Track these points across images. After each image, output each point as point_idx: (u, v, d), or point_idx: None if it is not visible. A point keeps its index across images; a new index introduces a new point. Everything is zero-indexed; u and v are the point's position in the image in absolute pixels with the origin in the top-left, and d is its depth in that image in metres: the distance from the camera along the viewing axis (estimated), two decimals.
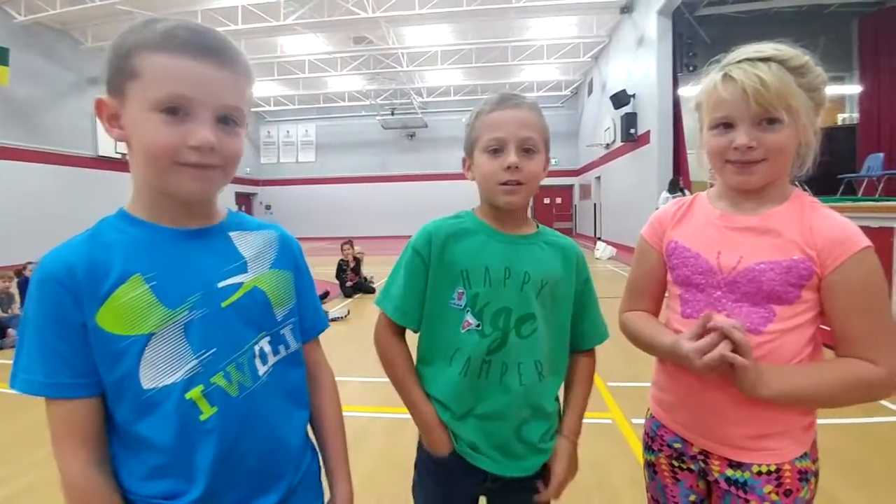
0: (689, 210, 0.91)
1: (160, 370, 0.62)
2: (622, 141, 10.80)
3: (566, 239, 0.97)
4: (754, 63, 0.76)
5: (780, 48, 0.78)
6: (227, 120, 0.64)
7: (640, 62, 9.89)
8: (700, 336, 0.76)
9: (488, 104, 0.89)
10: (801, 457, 0.81)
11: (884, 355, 0.74)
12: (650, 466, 0.95)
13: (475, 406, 0.89)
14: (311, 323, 0.82)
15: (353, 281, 6.63)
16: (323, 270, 7.43)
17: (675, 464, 0.90)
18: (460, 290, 0.89)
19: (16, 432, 2.58)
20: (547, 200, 18.63)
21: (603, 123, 12.92)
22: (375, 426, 2.58)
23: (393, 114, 18.13)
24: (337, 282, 6.68)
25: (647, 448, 0.96)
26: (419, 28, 11.86)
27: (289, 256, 0.79)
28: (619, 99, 10.47)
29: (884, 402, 2.66)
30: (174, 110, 0.60)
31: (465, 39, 12.51)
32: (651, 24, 8.99)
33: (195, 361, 0.63)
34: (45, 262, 0.62)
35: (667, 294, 0.96)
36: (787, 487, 0.80)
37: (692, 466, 0.89)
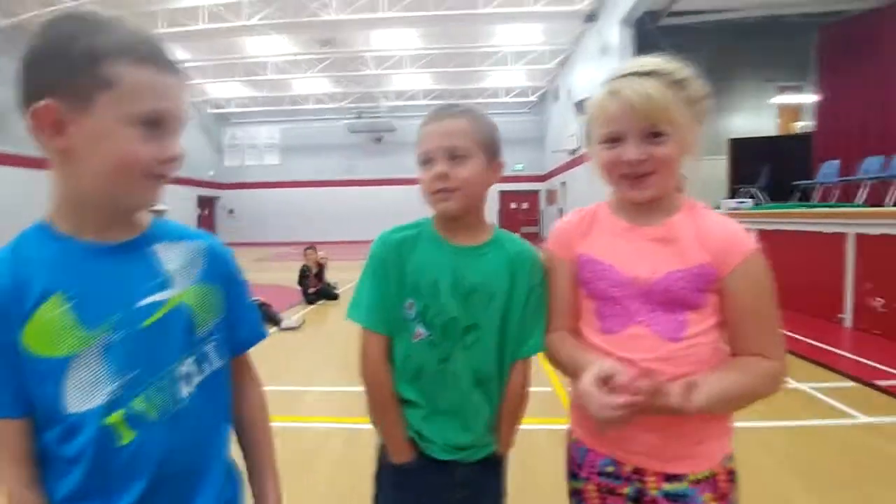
0: (594, 221, 0.91)
1: (82, 394, 0.61)
2: (586, 147, 10.97)
3: (521, 245, 0.97)
4: (640, 77, 0.78)
5: (661, 62, 0.80)
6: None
7: (603, 70, 9.97)
8: (603, 381, 0.75)
9: (425, 119, 0.93)
10: (729, 458, 0.85)
11: (775, 350, 0.80)
12: (576, 494, 0.91)
13: (438, 404, 0.92)
14: (245, 335, 0.80)
15: (315, 287, 6.42)
16: (286, 276, 7.18)
17: (605, 491, 0.87)
18: (410, 301, 0.91)
19: None
20: (514, 205, 18.83)
21: (568, 129, 13.14)
22: (335, 437, 2.50)
23: (360, 117, 17.93)
24: (300, 288, 6.46)
25: (573, 475, 0.92)
26: (386, 32, 11.79)
27: (218, 268, 0.76)
28: (584, 106, 10.65)
29: (839, 405, 2.71)
30: (154, 125, 0.61)
31: (432, 44, 12.50)
32: (614, 33, 9.20)
33: (116, 385, 0.62)
34: None
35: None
36: (723, 491, 0.82)
37: (626, 490, 0.85)
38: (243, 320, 0.79)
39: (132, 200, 0.65)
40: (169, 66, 0.62)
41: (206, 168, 18.92)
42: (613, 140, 0.81)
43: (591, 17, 10.34)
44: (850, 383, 3.08)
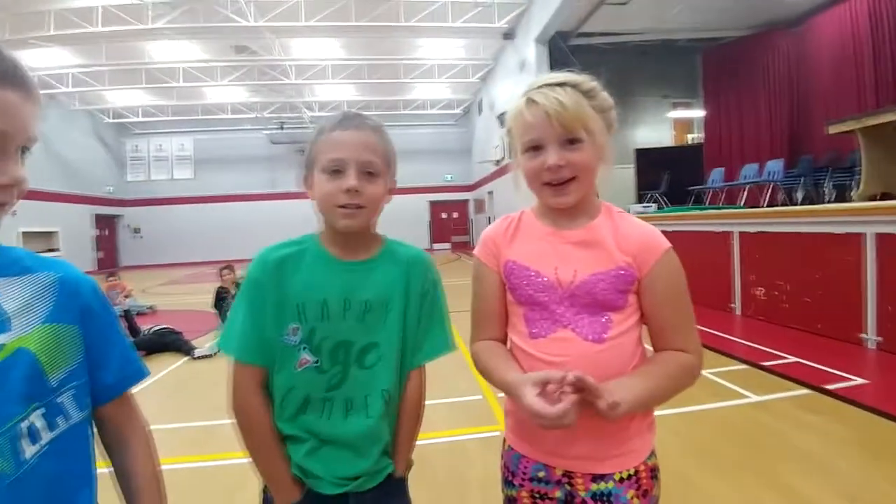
0: (519, 228, 0.92)
1: None
2: (510, 158, 11.40)
3: (413, 250, 0.95)
4: (552, 88, 0.82)
5: (571, 75, 0.84)
6: (24, 151, 0.60)
7: (522, 84, 10.37)
8: (541, 389, 0.75)
9: (330, 122, 0.87)
10: (651, 455, 0.87)
11: (692, 344, 0.84)
12: (511, 502, 0.93)
13: (324, 436, 0.86)
14: (113, 379, 0.71)
15: None
16: (201, 299, 6.69)
17: (537, 496, 0.89)
18: (294, 326, 0.85)
19: None
20: (444, 215, 19.04)
21: (492, 141, 13.58)
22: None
23: (282, 128, 17.31)
24: (215, 311, 6.02)
25: (507, 483, 0.93)
26: (307, 41, 11.49)
27: (73, 304, 0.66)
28: (505, 118, 11.11)
29: (734, 387, 3.00)
30: None
31: (355, 55, 12.38)
32: (530, 50, 9.73)
33: None
34: None
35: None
36: (645, 488, 0.84)
37: (557, 494, 0.88)
38: (110, 361, 0.70)
39: None
40: (7, 82, 0.56)
41: (103, 184, 17.17)
42: (534, 148, 0.83)
43: (508, 34, 10.84)
44: (742, 366, 3.43)
